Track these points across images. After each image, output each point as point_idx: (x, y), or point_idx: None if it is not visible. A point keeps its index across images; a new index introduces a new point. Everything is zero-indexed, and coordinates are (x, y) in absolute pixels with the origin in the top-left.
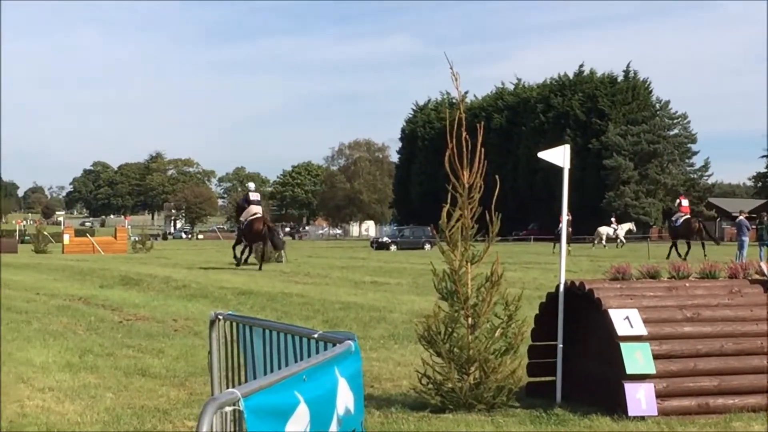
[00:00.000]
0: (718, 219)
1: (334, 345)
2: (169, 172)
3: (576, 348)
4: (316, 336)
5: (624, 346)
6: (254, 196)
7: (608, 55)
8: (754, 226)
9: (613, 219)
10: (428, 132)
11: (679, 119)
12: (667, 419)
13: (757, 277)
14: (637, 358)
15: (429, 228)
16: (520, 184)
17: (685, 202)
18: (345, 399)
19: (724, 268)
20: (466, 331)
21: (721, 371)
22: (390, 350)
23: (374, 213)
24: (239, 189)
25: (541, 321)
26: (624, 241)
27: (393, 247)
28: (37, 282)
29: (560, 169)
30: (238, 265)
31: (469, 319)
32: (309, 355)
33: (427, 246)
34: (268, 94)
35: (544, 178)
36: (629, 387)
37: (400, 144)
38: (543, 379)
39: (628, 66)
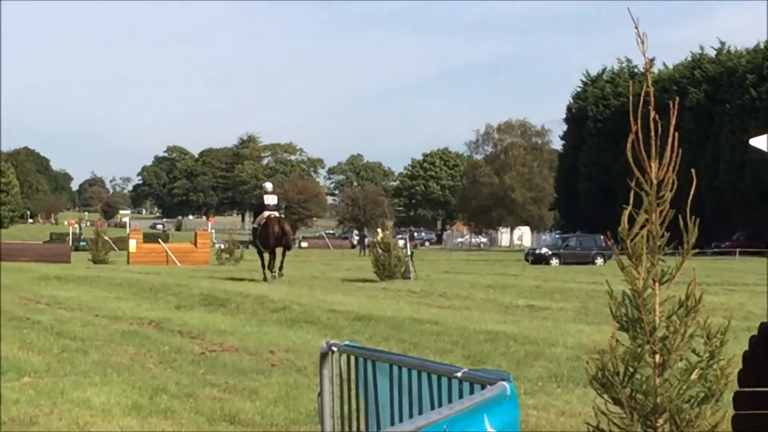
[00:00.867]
0: None
1: (483, 387)
2: (265, 161)
3: None
4: (459, 375)
5: None
6: (270, 199)
7: None
8: None
9: None
10: (602, 111)
11: None
12: None
13: None
14: None
15: (602, 237)
16: (723, 181)
17: None
18: None
19: None
20: (652, 372)
21: None
22: (551, 395)
23: (530, 216)
24: (355, 183)
25: (751, 360)
26: None
27: (554, 261)
28: (95, 301)
29: None
30: (265, 279)
31: (657, 357)
32: (450, 400)
33: (599, 260)
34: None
35: (755, 173)
36: None
37: (564, 127)
38: None
39: None
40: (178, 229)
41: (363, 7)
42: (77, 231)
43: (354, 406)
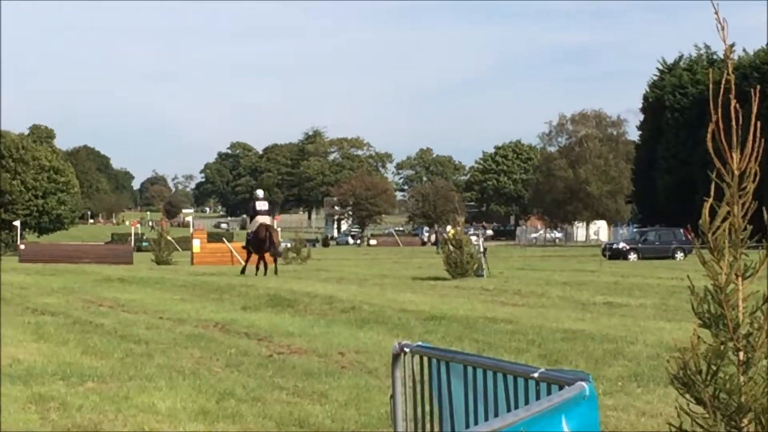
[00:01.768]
0: None
1: (561, 388)
2: (332, 157)
3: None
4: (536, 375)
5: None
6: (261, 205)
7: None
8: None
9: None
10: (680, 100)
11: None
12: None
13: None
14: None
15: (682, 230)
16: None
17: None
18: None
19: None
20: (736, 370)
21: None
22: (631, 395)
23: (606, 210)
24: (424, 179)
25: None
26: None
27: (632, 256)
28: (160, 303)
29: None
30: (242, 272)
31: (741, 354)
32: (526, 401)
33: (680, 254)
34: (461, 52)
35: None
36: None
37: (641, 117)
38: None
39: None
40: (243, 228)
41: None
42: (139, 232)
43: (427, 408)
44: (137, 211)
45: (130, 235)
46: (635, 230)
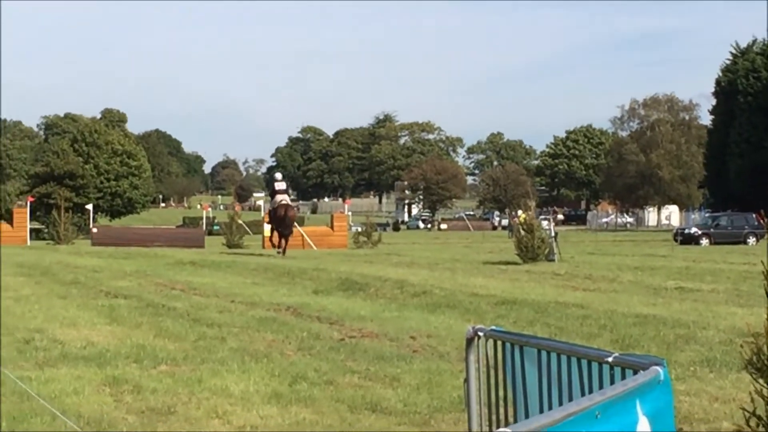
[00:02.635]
0: None
1: (635, 372)
2: (402, 141)
3: None
4: (610, 360)
5: None
6: (279, 185)
7: None
8: None
9: None
10: (753, 84)
11: None
12: None
13: None
14: None
15: (754, 215)
16: None
17: None
18: None
19: None
20: None
21: None
22: (703, 380)
23: (678, 195)
24: (495, 163)
25: None
26: None
27: (704, 241)
28: (232, 286)
29: None
30: (281, 252)
31: None
32: (600, 386)
33: (752, 239)
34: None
35: None
36: None
37: (713, 101)
38: None
39: None
40: (314, 212)
41: None
42: (210, 215)
43: (501, 392)
44: (208, 194)
45: (201, 218)
46: (707, 215)
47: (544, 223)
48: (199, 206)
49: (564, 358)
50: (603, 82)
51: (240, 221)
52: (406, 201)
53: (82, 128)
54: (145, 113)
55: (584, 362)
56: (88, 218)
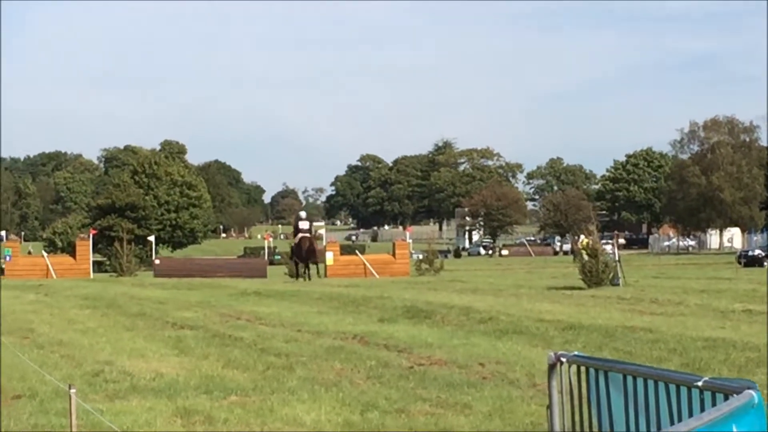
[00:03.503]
0: None
1: (726, 397)
2: (462, 167)
3: None
4: (700, 384)
5: None
6: (303, 224)
7: None
8: None
9: None
10: None
11: None
12: None
13: None
14: None
15: None
16: None
17: None
18: None
19: None
20: None
21: None
22: None
23: (740, 217)
24: (555, 188)
25: None
26: None
27: None
28: (297, 316)
29: None
30: (297, 278)
31: None
32: (690, 411)
33: None
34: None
35: None
36: None
37: None
38: None
39: None
40: (374, 239)
41: (560, 4)
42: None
43: (584, 419)
44: (269, 224)
45: (262, 248)
46: None
47: (608, 248)
48: (260, 236)
49: (651, 383)
50: (662, 105)
51: None
52: (467, 228)
53: (142, 160)
54: (205, 144)
55: (673, 387)
56: (150, 250)
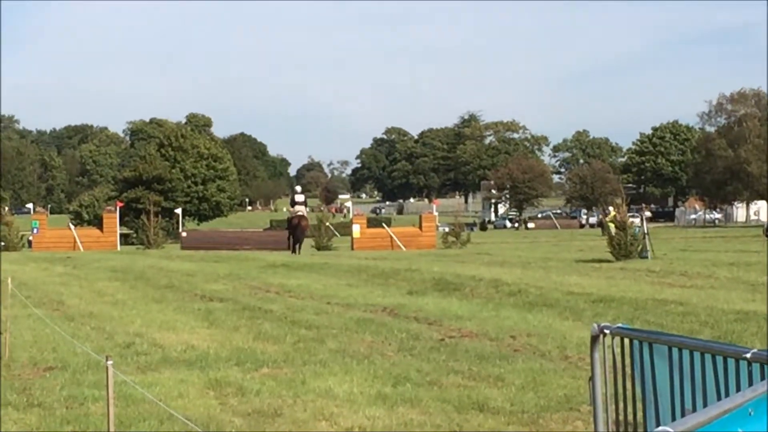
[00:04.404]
0: None
1: None
2: (487, 140)
3: None
4: (748, 356)
5: None
6: (299, 197)
7: None
8: None
9: None
10: None
11: None
12: None
13: None
14: None
15: None
16: None
17: None
18: None
19: None
20: None
21: None
22: None
23: (766, 190)
24: (581, 161)
25: None
26: None
27: None
28: (326, 288)
29: None
30: (293, 252)
31: None
32: (737, 383)
33: None
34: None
35: None
36: None
37: None
38: None
39: None
40: (400, 212)
41: None
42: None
43: (627, 391)
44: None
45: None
46: None
47: (636, 221)
48: (285, 209)
49: (697, 355)
50: (689, 78)
51: (328, 223)
52: (493, 200)
53: (168, 133)
54: (230, 117)
55: (720, 359)
56: (177, 222)
